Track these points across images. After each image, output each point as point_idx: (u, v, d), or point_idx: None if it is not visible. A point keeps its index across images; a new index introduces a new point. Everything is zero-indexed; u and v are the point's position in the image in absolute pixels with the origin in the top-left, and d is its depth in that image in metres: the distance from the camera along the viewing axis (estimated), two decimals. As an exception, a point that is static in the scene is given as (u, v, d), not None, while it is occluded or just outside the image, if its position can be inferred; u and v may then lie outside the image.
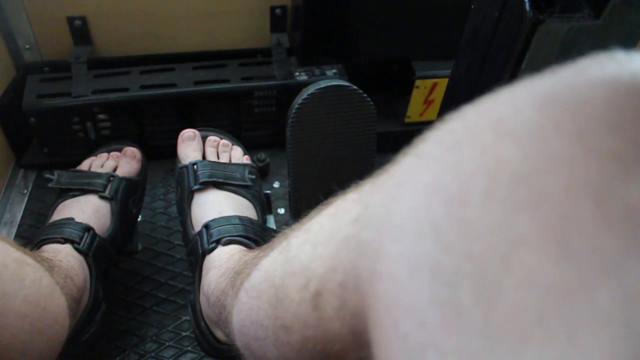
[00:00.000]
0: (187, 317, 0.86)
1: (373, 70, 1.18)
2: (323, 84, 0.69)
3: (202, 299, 0.66)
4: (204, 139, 0.82)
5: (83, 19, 1.04)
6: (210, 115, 1.06)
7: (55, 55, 1.08)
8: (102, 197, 0.79)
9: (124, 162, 0.86)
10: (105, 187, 0.80)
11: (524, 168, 0.19)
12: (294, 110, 0.69)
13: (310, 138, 0.71)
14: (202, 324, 0.66)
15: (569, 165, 0.17)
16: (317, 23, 1.04)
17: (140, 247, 0.89)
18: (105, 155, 0.87)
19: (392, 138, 1.15)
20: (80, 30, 1.05)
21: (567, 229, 0.17)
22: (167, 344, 0.83)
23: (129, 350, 0.82)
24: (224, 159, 0.79)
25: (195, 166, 0.75)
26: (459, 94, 0.59)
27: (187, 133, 0.80)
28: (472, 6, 0.54)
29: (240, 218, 0.69)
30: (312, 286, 0.32)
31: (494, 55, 0.51)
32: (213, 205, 0.72)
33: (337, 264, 0.30)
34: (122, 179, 0.82)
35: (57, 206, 0.78)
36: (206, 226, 0.68)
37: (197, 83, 1.02)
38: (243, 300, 0.44)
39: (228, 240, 0.66)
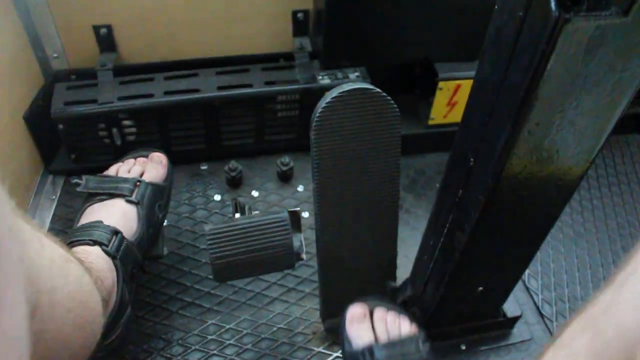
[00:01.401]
0: (213, 321, 0.86)
1: (395, 72, 1.17)
2: (346, 87, 0.68)
3: None
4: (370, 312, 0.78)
5: (109, 27, 1.06)
6: (234, 119, 1.07)
7: (81, 63, 1.10)
8: (129, 202, 0.80)
9: (150, 167, 0.87)
10: (132, 191, 0.81)
11: None
12: (318, 114, 0.68)
13: (335, 141, 0.70)
14: None
15: None
16: (339, 26, 1.04)
17: (166, 251, 0.90)
18: (131, 161, 0.88)
19: (416, 140, 1.15)
20: (106, 39, 1.07)
21: None
22: (193, 347, 0.83)
23: (155, 353, 0.82)
24: (393, 333, 0.75)
25: (371, 350, 0.71)
26: (484, 96, 0.58)
27: (357, 315, 0.75)
28: (496, 6, 0.54)
29: None
30: None
31: (519, 55, 0.50)
32: None
33: None
34: (148, 184, 0.83)
35: (85, 210, 0.80)
36: None
37: (220, 88, 1.03)
38: None
39: None
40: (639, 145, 1.30)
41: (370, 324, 0.75)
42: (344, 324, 0.75)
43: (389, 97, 0.71)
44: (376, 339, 0.74)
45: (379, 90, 0.70)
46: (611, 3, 0.44)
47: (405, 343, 0.72)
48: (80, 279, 0.53)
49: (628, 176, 1.22)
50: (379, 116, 0.71)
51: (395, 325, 0.75)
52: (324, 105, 0.68)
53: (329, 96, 0.68)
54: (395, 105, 0.71)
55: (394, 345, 0.72)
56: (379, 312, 0.76)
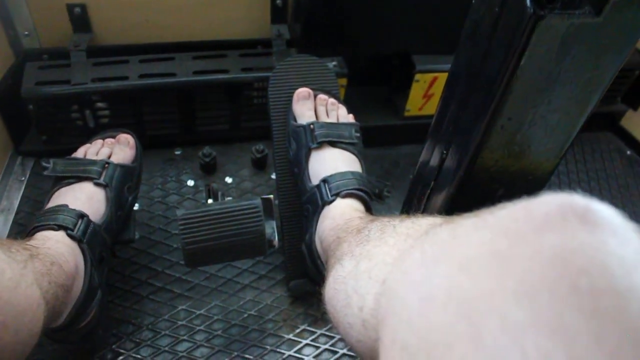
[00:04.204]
0: (183, 307, 0.86)
1: (373, 63, 1.17)
2: (291, 57, 0.91)
3: (317, 239, 0.75)
4: (314, 96, 0.90)
5: (83, 7, 1.04)
6: (209, 105, 1.06)
7: (54, 43, 1.08)
8: (97, 184, 0.79)
9: (118, 149, 0.86)
10: (100, 174, 0.80)
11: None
12: (272, 75, 0.89)
13: (286, 98, 0.88)
14: (319, 262, 0.74)
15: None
16: (318, 15, 1.04)
17: (137, 235, 0.89)
18: (100, 142, 0.87)
19: (391, 132, 1.15)
20: (80, 18, 1.05)
21: None
22: (162, 332, 0.83)
23: (125, 338, 0.82)
24: (332, 117, 0.87)
25: (312, 126, 0.83)
26: (459, 89, 0.59)
27: (302, 93, 0.87)
28: (473, 1, 0.54)
29: (352, 173, 0.77)
30: (364, 313, 0.43)
31: (495, 50, 0.51)
32: (328, 162, 0.80)
33: (376, 303, 0.40)
34: (116, 165, 0.82)
35: (52, 194, 0.78)
36: (324, 180, 0.76)
37: (196, 73, 1.02)
38: (330, 285, 0.56)
39: (346, 193, 0.74)
40: (609, 142, 1.33)
41: (313, 105, 0.87)
42: (291, 104, 0.88)
43: (326, 63, 0.92)
44: (317, 118, 0.86)
45: (317, 57, 0.91)
46: (585, 2, 0.45)
47: (340, 127, 0.84)
48: None
49: (598, 173, 1.24)
50: (318, 75, 0.90)
51: (334, 110, 0.88)
52: (277, 67, 0.89)
53: (282, 63, 0.90)
54: (329, 67, 0.92)
55: (331, 126, 0.84)
56: (321, 97, 0.88)
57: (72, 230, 0.70)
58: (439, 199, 0.66)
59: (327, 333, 0.86)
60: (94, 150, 0.85)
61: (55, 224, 0.70)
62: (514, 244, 0.27)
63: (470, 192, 0.62)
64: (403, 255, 0.37)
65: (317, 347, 0.84)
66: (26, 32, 1.05)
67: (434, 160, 0.66)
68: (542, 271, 0.25)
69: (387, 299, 0.36)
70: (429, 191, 0.69)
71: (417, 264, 0.33)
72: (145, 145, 0.92)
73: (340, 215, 0.71)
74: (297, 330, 0.86)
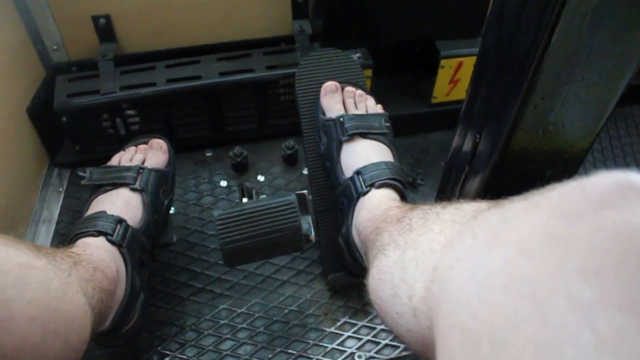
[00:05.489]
0: (224, 306, 0.87)
1: (397, 52, 1.17)
2: (315, 51, 0.91)
3: (354, 231, 0.75)
4: (341, 89, 0.90)
5: (107, 17, 1.06)
6: (237, 105, 1.07)
7: (82, 55, 1.10)
8: (132, 189, 0.80)
9: (151, 154, 0.87)
10: (135, 179, 0.81)
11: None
12: (297, 73, 0.90)
13: (314, 92, 0.89)
14: (357, 253, 0.75)
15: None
16: (338, 7, 1.04)
17: (175, 238, 0.90)
18: (133, 148, 0.88)
19: (419, 119, 1.14)
20: (105, 28, 1.07)
21: None
22: (205, 332, 0.84)
23: (169, 339, 0.83)
24: (361, 109, 0.87)
25: (341, 119, 0.83)
26: (488, 71, 0.58)
27: (330, 86, 0.87)
28: (498, -19, 0.54)
29: (385, 163, 0.77)
30: (414, 301, 0.43)
31: (523, 30, 0.50)
32: (360, 154, 0.81)
33: (428, 291, 0.40)
34: (151, 170, 0.83)
35: (91, 202, 0.80)
36: (358, 172, 0.77)
37: (222, 74, 1.03)
38: (374, 276, 0.56)
39: (380, 183, 0.74)
40: (643, 116, 1.30)
41: (341, 98, 0.88)
42: (319, 98, 0.88)
43: (350, 55, 0.92)
44: (346, 110, 0.86)
45: (341, 50, 0.91)
46: (615, -28, 0.44)
47: (370, 118, 0.84)
48: (46, 284, 0.52)
49: (633, 147, 1.21)
50: (344, 68, 0.91)
51: (362, 101, 0.88)
52: (301, 63, 0.90)
53: (306, 58, 0.90)
54: (356, 62, 0.92)
55: (360, 117, 0.84)
56: (349, 89, 0.88)
57: (112, 236, 0.72)
58: (474, 183, 0.66)
59: (368, 324, 0.86)
60: (127, 156, 0.86)
61: (95, 230, 0.72)
62: (572, 224, 0.27)
63: (505, 175, 0.62)
64: (452, 242, 0.37)
65: (360, 339, 0.84)
66: (55, 47, 1.07)
67: (467, 145, 0.66)
68: (606, 249, 0.25)
69: (441, 286, 0.35)
70: (463, 176, 0.68)
71: (470, 249, 0.33)
72: (176, 148, 0.93)
73: (377, 205, 0.71)
74: (339, 323, 0.86)
